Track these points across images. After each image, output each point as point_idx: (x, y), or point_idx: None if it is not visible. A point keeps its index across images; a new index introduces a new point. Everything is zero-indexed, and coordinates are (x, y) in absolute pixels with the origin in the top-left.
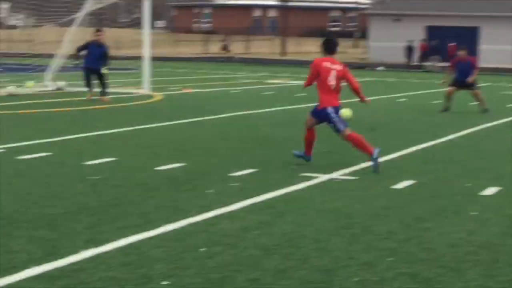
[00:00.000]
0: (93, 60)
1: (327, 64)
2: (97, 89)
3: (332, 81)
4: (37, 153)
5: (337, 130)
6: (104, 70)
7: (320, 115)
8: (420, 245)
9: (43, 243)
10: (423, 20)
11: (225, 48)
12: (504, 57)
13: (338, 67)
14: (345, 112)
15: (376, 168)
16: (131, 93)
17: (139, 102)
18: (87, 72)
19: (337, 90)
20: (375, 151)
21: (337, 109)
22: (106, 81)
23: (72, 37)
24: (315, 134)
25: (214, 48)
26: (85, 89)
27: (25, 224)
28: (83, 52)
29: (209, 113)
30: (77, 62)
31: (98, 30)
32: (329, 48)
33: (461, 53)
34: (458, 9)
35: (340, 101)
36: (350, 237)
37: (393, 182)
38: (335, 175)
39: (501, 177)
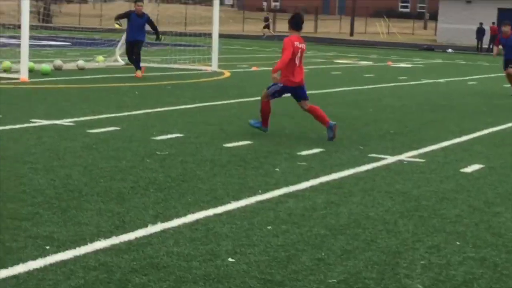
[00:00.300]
0: (135, 32)
1: (297, 43)
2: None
3: (298, 60)
4: (106, 127)
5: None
6: (161, 39)
7: (294, 91)
8: (489, 230)
9: (111, 217)
10: (494, 3)
11: (267, 27)
12: None
13: (304, 46)
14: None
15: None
16: (200, 70)
17: (208, 79)
18: (131, 46)
19: (300, 67)
20: (331, 123)
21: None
22: (139, 55)
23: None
24: (270, 106)
25: (283, 27)
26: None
27: (94, 197)
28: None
29: None
30: (119, 26)
31: (137, 0)
32: (297, 24)
33: (504, 30)
34: None
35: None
36: (418, 220)
37: (463, 166)
38: (403, 157)
39: None
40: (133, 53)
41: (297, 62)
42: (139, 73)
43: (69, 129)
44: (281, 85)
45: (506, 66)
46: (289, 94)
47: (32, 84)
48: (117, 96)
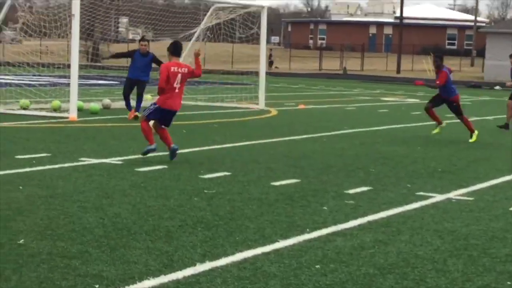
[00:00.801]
0: (138, 71)
1: (174, 68)
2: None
3: (177, 84)
4: (154, 165)
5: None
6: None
7: (164, 114)
8: None
9: (160, 255)
10: None
11: (270, 64)
12: None
13: (184, 70)
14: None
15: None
16: (247, 108)
17: (255, 117)
18: (130, 83)
19: (180, 92)
20: (154, 145)
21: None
22: (142, 95)
23: (189, 52)
24: (150, 126)
25: (329, 64)
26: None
27: (142, 235)
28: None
29: (324, 130)
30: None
31: (142, 39)
32: (175, 51)
33: None
34: None
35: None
36: (467, 259)
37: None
38: (452, 195)
39: None
40: (129, 91)
41: (176, 86)
42: (131, 114)
43: (117, 167)
44: (156, 105)
45: None
46: None
47: (81, 122)
48: None
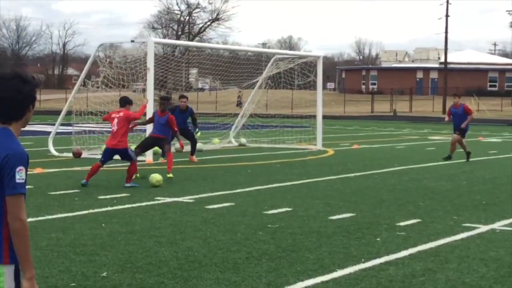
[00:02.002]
0: (180, 124)
1: (114, 114)
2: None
3: (115, 126)
4: (222, 203)
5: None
6: (197, 133)
7: (110, 151)
8: None
9: (228, 285)
10: None
11: (238, 104)
12: None
13: (120, 114)
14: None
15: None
16: (306, 149)
17: (313, 157)
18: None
19: (118, 133)
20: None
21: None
22: (195, 142)
23: (253, 99)
24: (98, 168)
25: (380, 107)
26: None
27: (212, 267)
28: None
29: (376, 167)
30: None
31: (182, 97)
32: (121, 103)
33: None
34: None
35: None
36: (511, 285)
37: None
38: (496, 225)
39: None
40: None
41: (114, 128)
42: (194, 158)
43: (189, 205)
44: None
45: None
46: None
47: (156, 165)
48: (231, 175)
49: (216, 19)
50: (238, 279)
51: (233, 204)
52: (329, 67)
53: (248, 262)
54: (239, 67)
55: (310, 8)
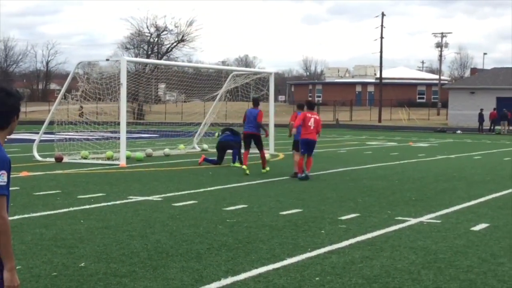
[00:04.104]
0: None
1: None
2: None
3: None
4: (187, 201)
5: None
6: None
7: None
8: (495, 277)
9: (192, 273)
10: (493, 92)
11: (81, 115)
12: None
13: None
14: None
15: None
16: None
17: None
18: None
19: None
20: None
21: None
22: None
23: (214, 110)
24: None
25: (325, 117)
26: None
27: (178, 257)
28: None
29: (321, 169)
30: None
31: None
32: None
33: None
34: None
35: None
36: (437, 270)
37: (472, 225)
38: (423, 219)
39: None
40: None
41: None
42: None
43: (158, 203)
44: None
45: None
46: None
47: (129, 168)
48: (195, 176)
49: (182, 40)
50: (200, 267)
51: (196, 202)
52: (280, 82)
53: (210, 253)
54: (201, 82)
55: (264, 30)
